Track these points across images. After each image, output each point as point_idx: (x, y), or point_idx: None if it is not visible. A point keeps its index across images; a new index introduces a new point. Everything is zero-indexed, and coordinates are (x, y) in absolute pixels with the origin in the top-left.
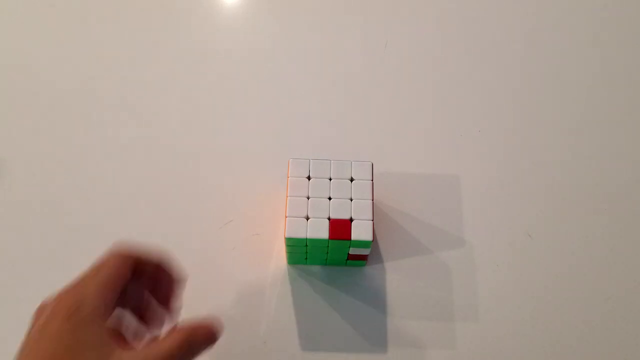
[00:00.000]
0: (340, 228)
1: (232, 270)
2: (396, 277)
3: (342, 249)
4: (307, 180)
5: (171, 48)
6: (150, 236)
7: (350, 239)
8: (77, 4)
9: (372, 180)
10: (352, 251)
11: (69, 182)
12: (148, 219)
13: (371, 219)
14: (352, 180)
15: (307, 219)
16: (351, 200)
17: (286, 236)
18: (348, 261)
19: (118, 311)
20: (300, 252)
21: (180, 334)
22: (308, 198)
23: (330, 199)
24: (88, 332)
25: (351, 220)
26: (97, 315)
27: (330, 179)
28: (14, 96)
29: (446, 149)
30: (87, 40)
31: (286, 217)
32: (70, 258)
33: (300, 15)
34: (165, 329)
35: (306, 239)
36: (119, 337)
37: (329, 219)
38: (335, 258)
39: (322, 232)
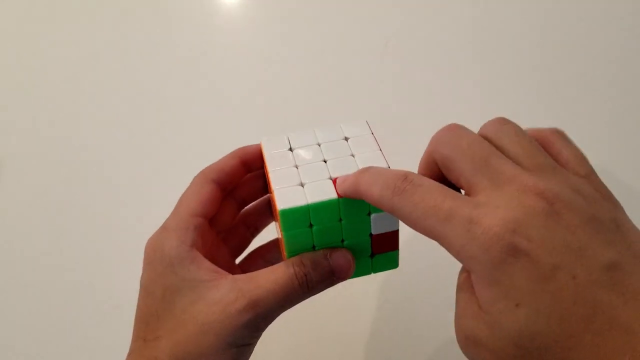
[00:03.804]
0: None
1: None
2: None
3: (361, 220)
4: (290, 152)
5: (168, 48)
6: (149, 233)
7: None
8: (75, 3)
9: (374, 134)
10: (376, 223)
11: (67, 181)
12: (148, 217)
13: (387, 166)
14: (347, 139)
15: (302, 185)
16: (353, 156)
17: (280, 208)
18: (375, 258)
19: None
20: (304, 239)
21: (290, 270)
22: (297, 167)
23: (325, 161)
24: (177, 276)
25: None
26: (179, 255)
27: (319, 145)
28: (11, 95)
29: None
30: (86, 40)
31: (272, 190)
32: (70, 257)
33: (300, 14)
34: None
35: (308, 207)
36: (211, 270)
37: (330, 179)
38: (356, 245)
39: (327, 192)
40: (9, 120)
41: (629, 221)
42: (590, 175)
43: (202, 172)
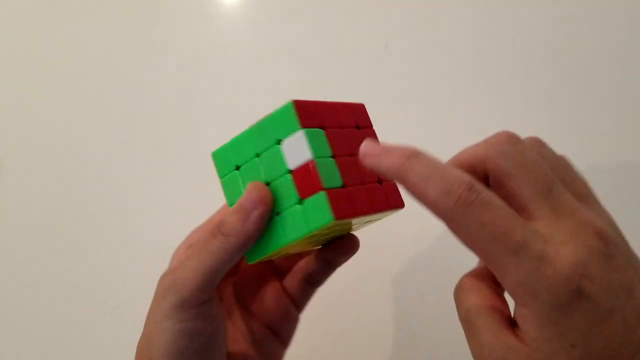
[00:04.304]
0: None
1: None
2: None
3: (274, 152)
4: None
5: (168, 49)
6: (149, 233)
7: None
8: (76, 4)
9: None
10: (290, 154)
11: (67, 182)
12: (148, 218)
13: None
14: None
15: None
16: None
17: (212, 152)
18: (304, 205)
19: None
20: (236, 185)
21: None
22: None
23: None
24: (174, 317)
25: None
26: (186, 300)
27: None
28: (12, 96)
29: (448, 151)
30: (86, 41)
31: None
32: (70, 257)
33: (300, 15)
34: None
35: (229, 143)
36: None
37: None
38: (280, 188)
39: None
40: (9, 121)
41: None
42: (599, 202)
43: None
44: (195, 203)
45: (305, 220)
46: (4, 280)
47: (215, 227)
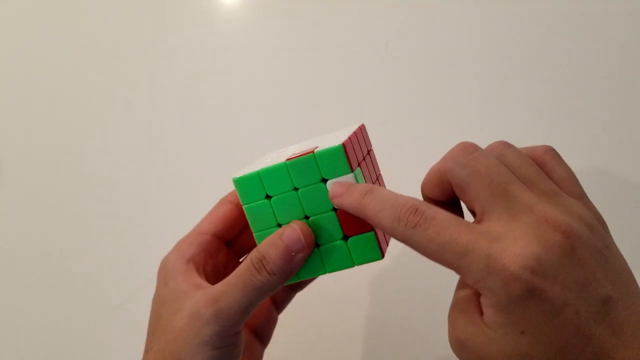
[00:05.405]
0: (301, 155)
1: None
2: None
3: (317, 189)
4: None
5: (168, 49)
6: (149, 233)
7: (313, 152)
8: (76, 5)
9: (362, 132)
10: (334, 193)
11: (67, 182)
12: (147, 218)
13: (343, 140)
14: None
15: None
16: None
17: (234, 178)
18: (351, 243)
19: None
20: (266, 215)
21: (248, 258)
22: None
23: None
24: (168, 288)
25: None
26: (174, 268)
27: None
28: (12, 96)
29: (447, 150)
30: (86, 42)
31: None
32: (70, 257)
33: (299, 15)
34: None
35: (258, 173)
36: (195, 283)
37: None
38: (323, 223)
39: (278, 160)
40: (9, 121)
41: (613, 241)
42: (582, 195)
43: (223, 197)
44: (194, 203)
45: (349, 256)
46: (4, 280)
47: (258, 262)
